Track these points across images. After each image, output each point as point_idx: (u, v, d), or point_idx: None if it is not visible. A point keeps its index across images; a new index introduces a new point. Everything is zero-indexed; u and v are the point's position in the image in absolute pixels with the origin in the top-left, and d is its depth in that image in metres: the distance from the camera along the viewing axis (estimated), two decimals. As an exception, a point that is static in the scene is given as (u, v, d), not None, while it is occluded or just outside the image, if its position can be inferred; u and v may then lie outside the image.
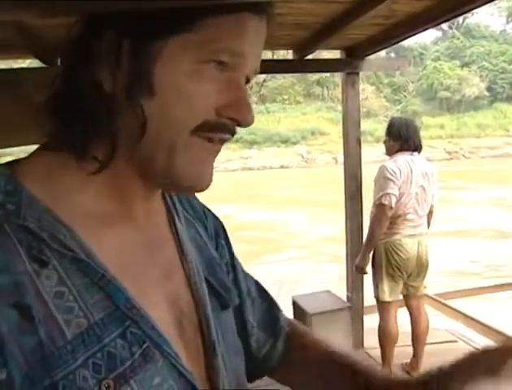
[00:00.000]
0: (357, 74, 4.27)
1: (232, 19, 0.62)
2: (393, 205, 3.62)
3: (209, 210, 0.89)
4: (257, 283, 0.95)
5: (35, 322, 0.55)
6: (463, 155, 39.73)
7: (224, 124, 0.65)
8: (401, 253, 3.73)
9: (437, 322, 4.73)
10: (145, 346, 0.61)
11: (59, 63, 0.66)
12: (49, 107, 0.65)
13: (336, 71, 4.72)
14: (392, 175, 3.63)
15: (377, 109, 42.76)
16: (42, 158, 0.66)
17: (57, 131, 0.65)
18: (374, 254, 3.83)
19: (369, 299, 4.36)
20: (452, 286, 6.39)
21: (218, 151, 0.68)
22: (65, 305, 0.58)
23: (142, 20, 0.60)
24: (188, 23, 0.61)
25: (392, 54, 44.77)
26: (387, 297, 3.79)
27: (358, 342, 4.30)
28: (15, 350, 0.53)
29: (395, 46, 45.14)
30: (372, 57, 4.24)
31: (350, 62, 4.19)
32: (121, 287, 0.62)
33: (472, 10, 2.95)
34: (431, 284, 4.28)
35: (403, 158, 3.72)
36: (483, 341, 4.44)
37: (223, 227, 0.90)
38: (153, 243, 0.72)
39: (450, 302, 5.05)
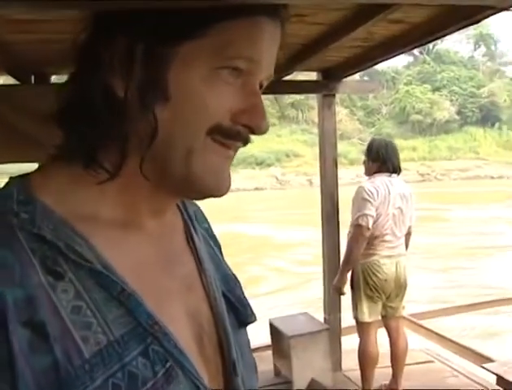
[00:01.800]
0: (334, 96, 4.30)
1: (247, 23, 0.61)
2: (370, 226, 3.63)
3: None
4: None
5: (50, 340, 0.51)
6: (435, 177, 40.38)
7: (238, 132, 0.63)
8: (378, 274, 3.73)
9: (414, 343, 4.73)
10: (168, 365, 0.58)
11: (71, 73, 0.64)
12: (59, 118, 0.63)
13: (313, 92, 4.75)
14: (369, 196, 3.65)
15: (351, 131, 43.31)
16: (53, 169, 0.64)
17: (67, 141, 0.63)
18: (352, 275, 3.82)
19: (346, 320, 4.36)
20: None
21: (232, 157, 0.66)
22: (82, 321, 0.54)
23: (156, 25, 0.59)
24: (203, 28, 0.59)
25: (366, 78, 45.57)
26: (366, 318, 3.77)
27: (336, 364, 4.26)
28: (26, 373, 0.49)
29: (369, 70, 45.89)
30: (348, 79, 4.29)
31: (327, 84, 4.23)
32: (142, 301, 0.58)
33: (448, 34, 3.01)
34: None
35: (381, 179, 3.74)
36: (459, 361, 4.46)
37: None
38: (170, 256, 0.69)
39: (426, 323, 5.08)
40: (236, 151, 0.66)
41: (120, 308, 0.57)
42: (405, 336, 3.92)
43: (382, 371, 3.95)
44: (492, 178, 38.68)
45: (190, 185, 0.64)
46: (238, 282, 0.81)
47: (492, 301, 6.00)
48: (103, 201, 0.63)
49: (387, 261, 3.74)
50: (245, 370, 0.71)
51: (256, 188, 36.16)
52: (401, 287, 3.79)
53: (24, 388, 0.49)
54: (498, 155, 42.87)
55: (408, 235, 3.92)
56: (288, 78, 4.24)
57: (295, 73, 4.26)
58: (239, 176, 37.14)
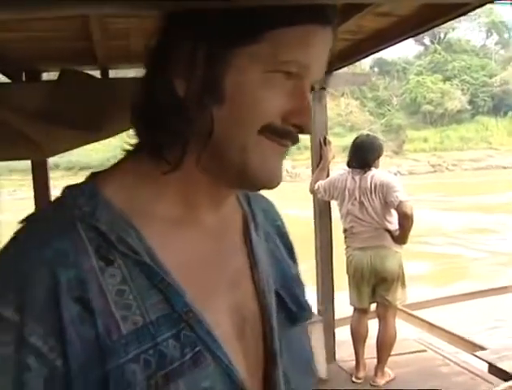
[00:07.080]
0: (325, 89, 4.32)
1: (300, 31, 0.65)
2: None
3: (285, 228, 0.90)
4: None
5: (95, 315, 0.59)
6: (447, 168, 40.05)
7: (289, 131, 0.68)
8: (351, 266, 3.96)
9: (406, 333, 4.76)
10: (196, 349, 0.63)
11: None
12: (133, 116, 0.70)
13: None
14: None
15: (361, 123, 42.99)
16: (122, 166, 0.72)
17: (138, 138, 0.71)
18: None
19: (339, 312, 4.41)
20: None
21: (284, 154, 0.71)
22: (124, 303, 0.61)
23: (218, 28, 0.63)
24: (261, 32, 0.64)
25: (376, 69, 45.30)
26: (355, 304, 4.00)
27: (330, 355, 4.29)
28: (76, 340, 0.58)
29: (378, 61, 45.59)
30: (338, 72, 4.30)
31: (317, 78, 4.24)
32: (180, 290, 0.64)
33: (436, 26, 3.03)
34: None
35: (341, 174, 4.06)
36: (451, 350, 4.49)
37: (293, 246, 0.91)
38: (223, 251, 0.74)
39: (419, 312, 5.10)
40: (287, 149, 0.71)
41: (159, 295, 0.63)
42: (392, 326, 3.93)
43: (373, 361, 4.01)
44: (505, 168, 38.26)
45: (245, 179, 0.69)
46: (301, 284, 0.85)
47: (485, 290, 5.99)
48: (163, 197, 0.69)
49: (358, 252, 3.88)
50: (293, 367, 0.74)
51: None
52: (383, 278, 3.82)
53: (73, 354, 0.58)
54: (510, 144, 42.41)
55: (403, 219, 3.71)
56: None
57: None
58: (249, 169, 37.08)
